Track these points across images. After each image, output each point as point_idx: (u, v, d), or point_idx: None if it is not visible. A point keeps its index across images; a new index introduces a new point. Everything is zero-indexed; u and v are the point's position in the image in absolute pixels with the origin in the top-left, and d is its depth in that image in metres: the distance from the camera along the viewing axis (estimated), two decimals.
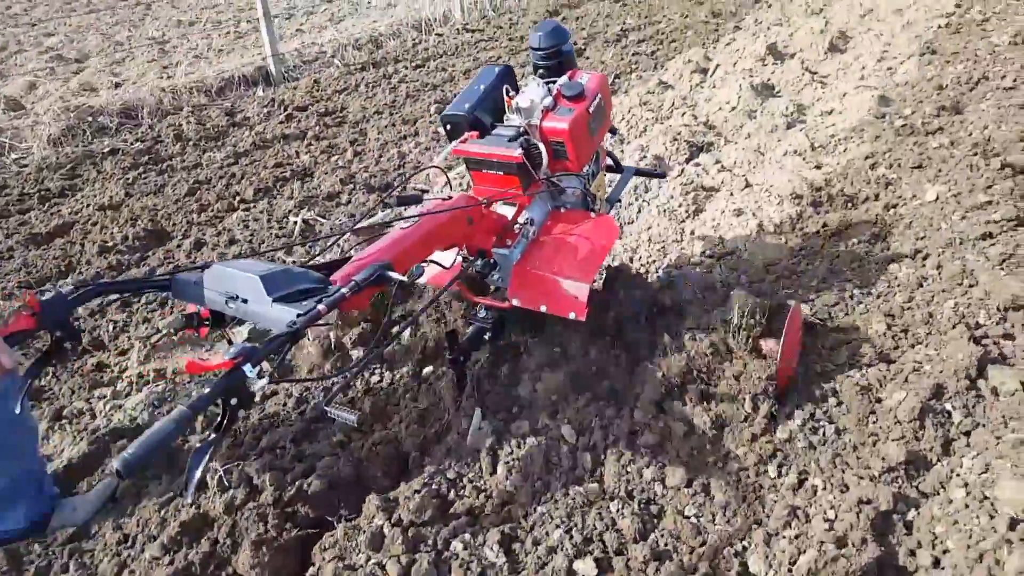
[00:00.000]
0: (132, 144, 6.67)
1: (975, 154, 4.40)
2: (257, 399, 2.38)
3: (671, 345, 2.97)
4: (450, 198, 2.59)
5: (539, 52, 2.96)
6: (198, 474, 1.58)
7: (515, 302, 2.69)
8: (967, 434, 2.63)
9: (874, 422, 2.74)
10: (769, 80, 6.57)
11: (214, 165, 6.12)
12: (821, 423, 2.79)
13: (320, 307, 1.80)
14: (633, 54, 8.08)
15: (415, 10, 10.39)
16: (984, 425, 2.63)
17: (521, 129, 2.72)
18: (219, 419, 1.64)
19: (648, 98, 6.53)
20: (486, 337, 2.99)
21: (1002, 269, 3.31)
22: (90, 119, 7.14)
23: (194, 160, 6.28)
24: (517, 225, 2.83)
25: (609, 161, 3.40)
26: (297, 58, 9.10)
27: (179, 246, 4.91)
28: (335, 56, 9.18)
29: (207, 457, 1.60)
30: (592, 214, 2.95)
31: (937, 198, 3.96)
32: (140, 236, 5.02)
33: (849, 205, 4.25)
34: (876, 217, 3.98)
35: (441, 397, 3.10)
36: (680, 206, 4.42)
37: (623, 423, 2.82)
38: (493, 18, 10.37)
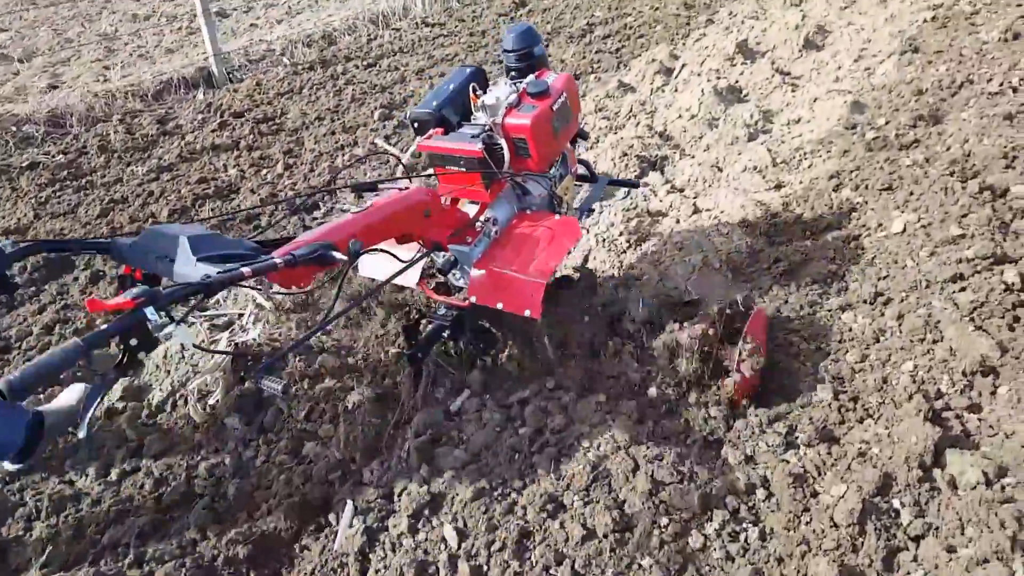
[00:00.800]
0: (54, 157, 6.19)
1: (951, 173, 3.91)
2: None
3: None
4: (407, 188, 2.58)
5: (511, 54, 3.00)
6: (91, 411, 1.69)
7: (473, 299, 2.66)
8: (916, 540, 2.18)
9: (807, 523, 2.28)
10: (737, 82, 6.06)
11: (134, 181, 5.65)
12: (744, 525, 2.33)
13: (244, 269, 1.81)
14: (596, 51, 7.57)
15: (373, 2, 9.84)
16: (937, 530, 2.17)
17: (487, 127, 2.74)
18: (119, 358, 1.71)
19: (605, 103, 6.04)
20: (444, 335, 3.00)
21: (971, 321, 2.84)
22: (14, 128, 6.66)
23: (115, 175, 5.80)
24: (479, 223, 2.82)
25: (582, 169, 3.38)
26: (244, 57, 8.58)
27: (76, 279, 4.44)
28: (284, 54, 8.67)
29: (101, 395, 1.72)
30: (556, 215, 2.92)
31: (904, 229, 3.48)
32: (39, 266, 4.55)
33: (807, 234, 3.78)
34: (835, 252, 3.50)
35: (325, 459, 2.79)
36: (621, 235, 3.94)
37: (513, 523, 2.37)
38: (457, 9, 9.83)
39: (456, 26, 9.27)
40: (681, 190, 4.50)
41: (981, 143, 4.23)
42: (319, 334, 3.35)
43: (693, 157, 4.97)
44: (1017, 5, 6.18)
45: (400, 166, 3.58)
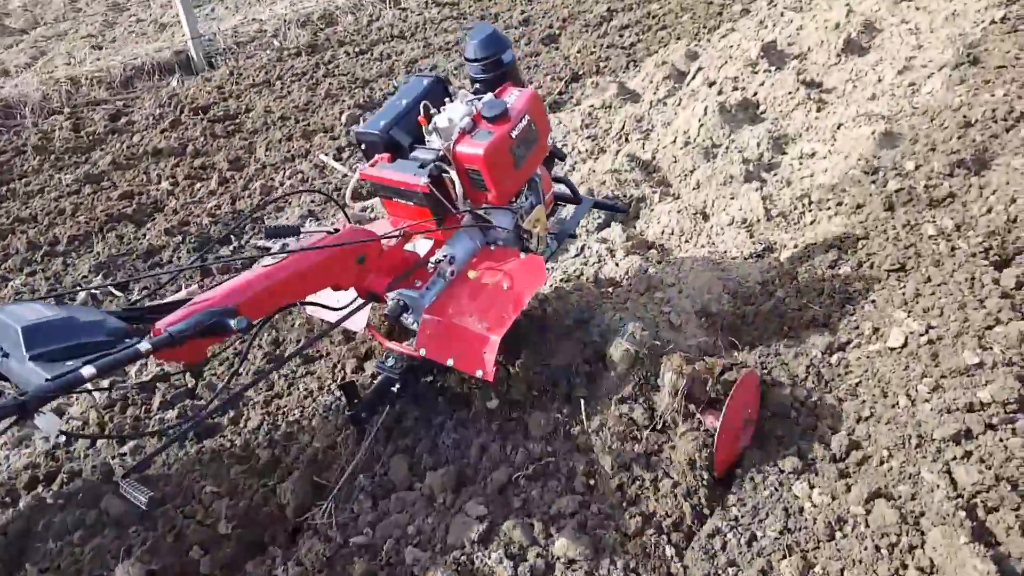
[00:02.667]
0: None
1: (985, 252, 3.00)
2: None
3: None
4: (337, 231, 2.20)
5: (475, 64, 2.62)
6: None
7: (422, 352, 2.33)
8: None
9: None
10: (755, 95, 5.12)
11: (54, 193, 5.07)
12: None
13: (83, 371, 1.52)
14: (608, 46, 6.65)
15: None
16: None
17: (440, 153, 2.39)
18: None
19: (597, 116, 5.19)
20: (394, 389, 2.61)
21: (968, 516, 2.00)
22: None
23: (41, 182, 5.24)
24: (431, 264, 2.47)
25: (564, 189, 3.03)
26: (231, 39, 7.93)
27: None
28: (276, 36, 7.99)
29: None
30: (521, 254, 2.52)
31: (905, 344, 2.61)
32: None
33: (783, 332, 2.92)
34: (808, 370, 2.66)
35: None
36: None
37: None
38: None
39: (469, 6, 8.43)
40: (650, 246, 3.66)
41: None
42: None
43: (677, 199, 4.10)
44: None
45: (336, 199, 3.07)
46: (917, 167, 3.73)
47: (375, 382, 2.66)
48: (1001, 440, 2.19)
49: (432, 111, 2.49)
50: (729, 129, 4.57)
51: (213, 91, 6.59)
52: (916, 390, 2.41)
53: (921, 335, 2.58)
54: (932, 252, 3.06)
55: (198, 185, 5.04)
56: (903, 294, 2.83)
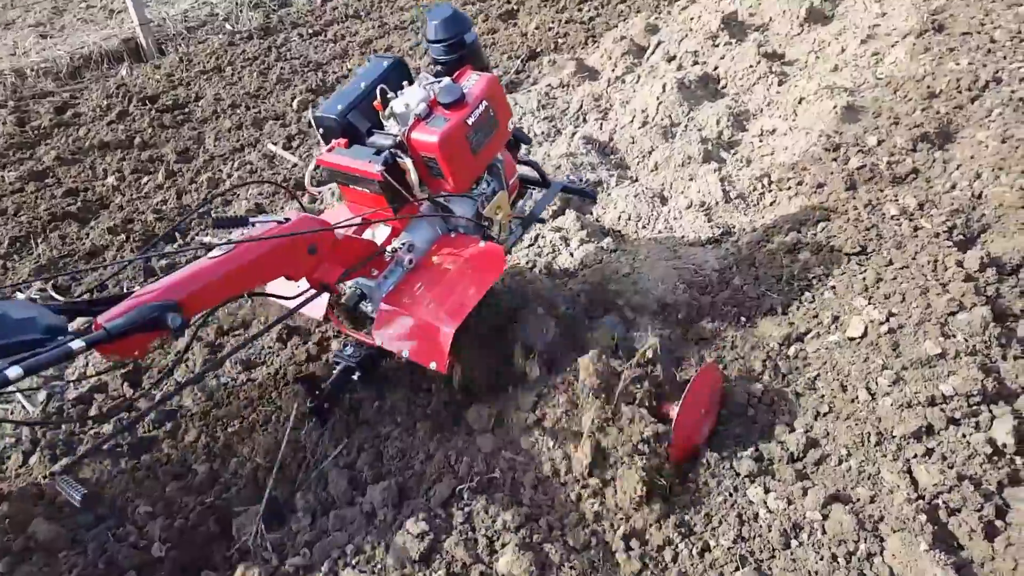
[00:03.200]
0: None
1: (948, 232, 2.90)
2: None
3: None
4: (287, 220, 2.11)
5: (437, 45, 2.54)
6: None
7: (379, 341, 2.29)
8: None
9: None
10: (716, 69, 4.98)
11: None
12: None
13: (8, 372, 1.45)
14: (567, 21, 6.45)
15: None
16: None
17: (398, 139, 2.34)
18: None
19: (554, 95, 5.02)
20: (355, 377, 2.57)
21: (928, 519, 1.91)
22: None
23: None
24: (387, 252, 2.41)
25: (531, 172, 2.97)
26: (182, 24, 7.65)
27: None
28: (228, 20, 7.72)
29: None
30: (481, 242, 2.45)
31: (865, 334, 2.50)
32: None
33: (740, 321, 2.81)
34: (766, 364, 2.55)
35: None
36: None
37: None
38: None
39: None
40: (606, 233, 3.54)
41: (997, 181, 3.19)
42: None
43: (636, 182, 3.97)
44: None
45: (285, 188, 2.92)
46: (880, 142, 3.62)
47: (334, 372, 2.58)
48: (964, 436, 2.10)
49: (389, 95, 2.41)
50: (688, 107, 4.43)
51: (162, 79, 6.35)
52: (876, 383, 2.31)
53: (882, 323, 2.48)
54: (894, 234, 2.96)
55: (145, 179, 4.83)
56: (864, 279, 2.73)
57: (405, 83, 2.46)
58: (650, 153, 4.09)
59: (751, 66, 4.83)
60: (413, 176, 2.36)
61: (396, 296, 2.33)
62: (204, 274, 1.87)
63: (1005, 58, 4.16)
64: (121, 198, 4.65)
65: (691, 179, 3.76)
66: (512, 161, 2.80)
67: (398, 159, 2.33)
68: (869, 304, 2.58)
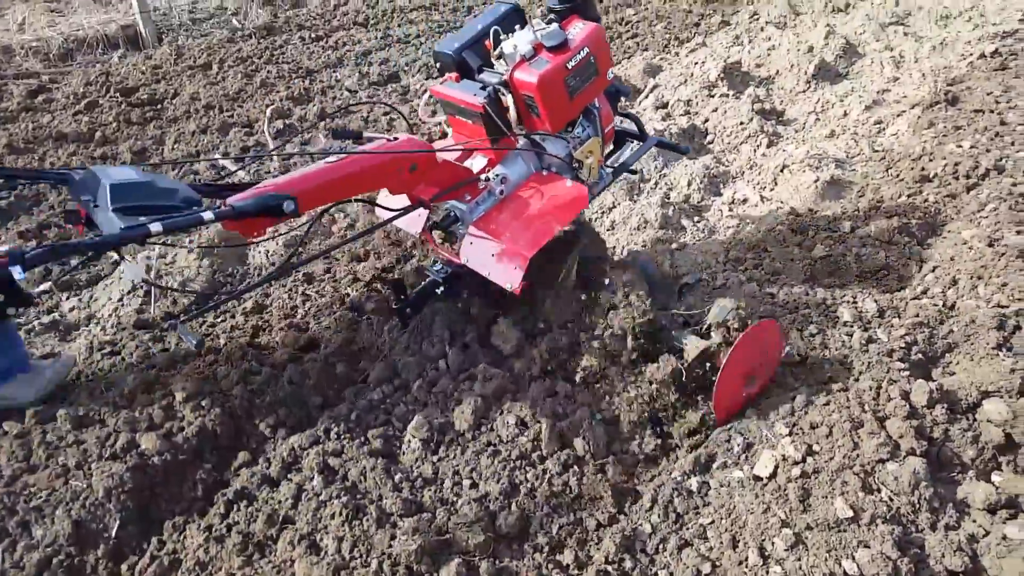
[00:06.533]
0: None
1: (904, 351, 2.54)
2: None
3: None
4: (396, 139, 2.37)
5: None
6: None
7: (464, 261, 2.53)
8: None
9: None
10: (706, 122, 4.64)
11: None
12: None
13: (152, 227, 1.79)
14: None
15: None
16: None
17: (503, 78, 2.52)
18: None
19: None
20: (438, 291, 2.79)
21: None
22: None
23: None
24: (482, 181, 2.60)
25: (631, 126, 3.10)
26: (188, 15, 7.49)
27: None
28: (236, 15, 7.55)
29: None
30: (568, 182, 2.64)
31: (774, 474, 2.15)
32: None
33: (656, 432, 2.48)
34: (663, 503, 2.21)
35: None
36: None
37: None
38: None
39: None
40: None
41: (974, 292, 2.83)
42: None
43: None
44: None
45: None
46: (853, 229, 3.26)
47: (423, 283, 2.83)
48: None
49: (502, 37, 2.57)
50: (663, 161, 4.10)
51: (148, 71, 6.16)
52: (772, 543, 1.96)
53: (796, 464, 2.13)
54: (842, 344, 2.61)
55: None
56: (792, 399, 2.38)
57: (517, 27, 2.61)
58: (611, 209, 3.77)
59: (742, 123, 4.49)
60: (512, 112, 2.53)
61: (485, 222, 2.53)
62: (319, 176, 2.13)
63: (1013, 143, 3.78)
64: (59, 195, 4.43)
65: (644, 246, 3.44)
66: (609, 111, 2.91)
67: (500, 95, 2.50)
68: (789, 435, 2.23)
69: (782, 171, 3.91)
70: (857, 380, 2.44)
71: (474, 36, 2.62)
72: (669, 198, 3.66)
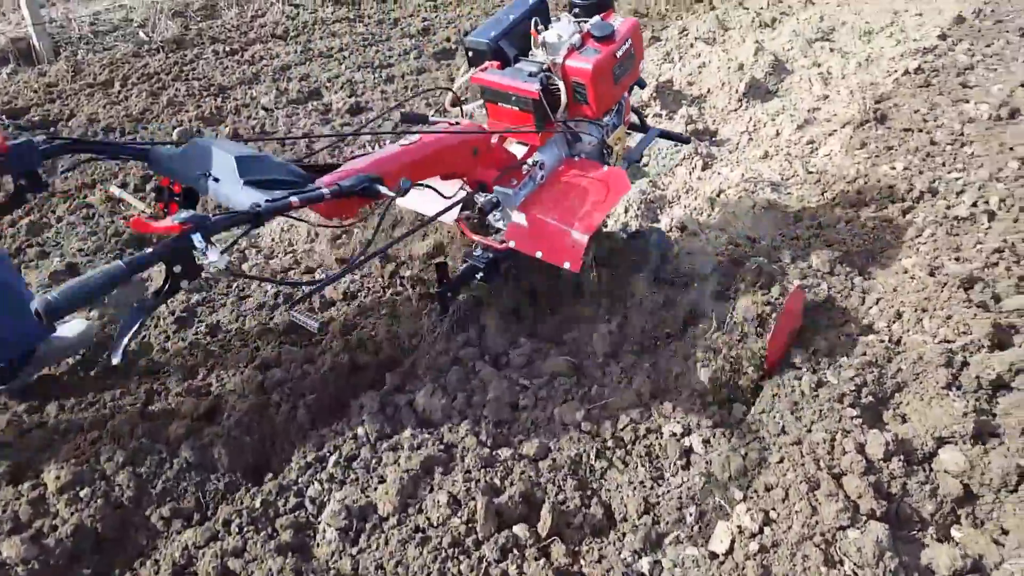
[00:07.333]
0: None
1: (854, 395, 2.41)
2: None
3: None
4: (458, 123, 2.53)
5: None
6: (127, 337, 1.57)
7: (511, 244, 2.58)
8: None
9: None
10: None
11: None
12: None
13: (292, 199, 1.77)
14: None
15: None
16: None
17: (545, 66, 2.60)
18: (161, 284, 1.61)
19: None
20: (478, 276, 2.78)
21: None
22: None
23: None
24: (526, 166, 2.66)
25: (634, 118, 3.21)
26: (89, 27, 7.00)
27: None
28: (143, 27, 7.09)
29: (139, 321, 1.60)
30: (604, 166, 2.79)
31: (731, 549, 1.98)
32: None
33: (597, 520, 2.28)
34: None
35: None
36: None
37: None
38: None
39: (370, 7, 7.64)
40: None
41: (919, 326, 2.74)
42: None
43: None
44: None
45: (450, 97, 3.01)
46: (793, 260, 3.14)
47: (463, 268, 2.84)
48: None
49: (540, 27, 2.66)
50: None
51: (41, 89, 5.68)
52: None
53: (753, 536, 1.96)
54: (791, 391, 2.46)
55: None
56: (743, 458, 2.22)
57: (552, 21, 2.74)
58: None
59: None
60: (564, 99, 2.61)
61: (529, 206, 2.59)
62: (400, 157, 2.17)
63: (944, 164, 3.75)
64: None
65: None
66: (630, 102, 3.08)
67: (552, 82, 2.58)
68: (744, 500, 2.07)
69: (719, 195, 3.78)
70: (810, 431, 2.29)
71: (508, 26, 2.69)
72: (606, 225, 3.47)
